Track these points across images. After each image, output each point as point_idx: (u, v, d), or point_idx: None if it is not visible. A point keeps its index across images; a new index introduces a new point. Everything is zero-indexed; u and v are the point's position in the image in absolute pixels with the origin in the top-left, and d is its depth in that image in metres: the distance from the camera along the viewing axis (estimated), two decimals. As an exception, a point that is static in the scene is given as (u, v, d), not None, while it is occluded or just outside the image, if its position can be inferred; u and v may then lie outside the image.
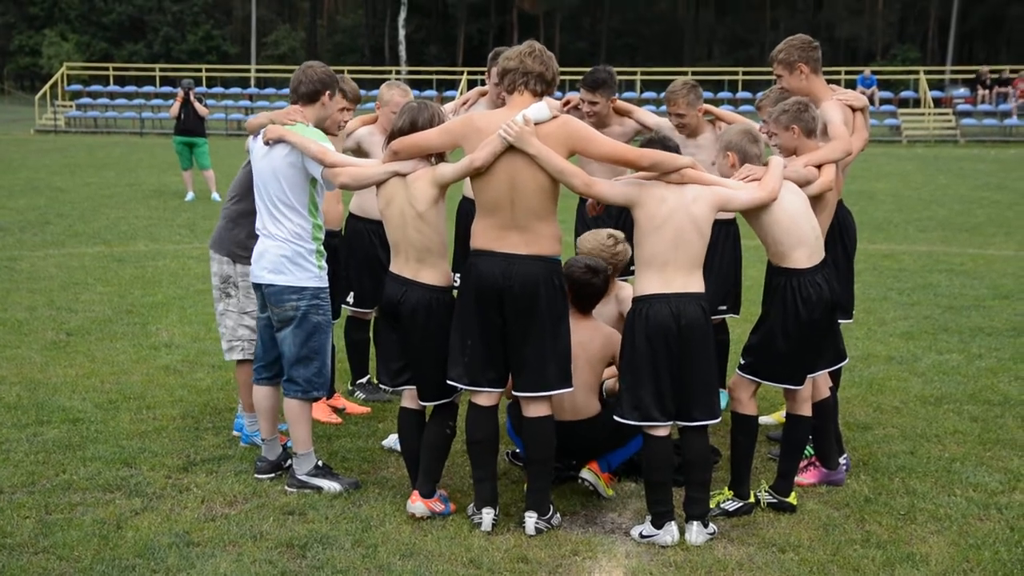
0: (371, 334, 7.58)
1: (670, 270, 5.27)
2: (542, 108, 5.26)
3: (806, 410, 5.80)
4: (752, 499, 5.69)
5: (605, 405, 5.94)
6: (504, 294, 5.25)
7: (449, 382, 5.46)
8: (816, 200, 5.79)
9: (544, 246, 5.28)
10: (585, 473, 5.84)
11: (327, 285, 5.96)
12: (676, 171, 5.29)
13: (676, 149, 5.63)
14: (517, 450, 6.22)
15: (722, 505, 5.66)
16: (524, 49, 5.36)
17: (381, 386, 6.64)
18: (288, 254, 5.80)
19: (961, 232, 16.42)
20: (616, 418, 5.41)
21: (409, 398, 5.69)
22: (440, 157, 5.54)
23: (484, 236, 5.34)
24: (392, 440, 6.47)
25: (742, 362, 5.74)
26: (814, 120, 5.89)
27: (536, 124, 5.22)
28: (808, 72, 6.25)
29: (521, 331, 5.30)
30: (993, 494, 5.90)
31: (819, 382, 5.97)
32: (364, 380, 7.73)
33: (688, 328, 5.24)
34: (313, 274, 5.85)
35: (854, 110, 6.23)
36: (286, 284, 5.80)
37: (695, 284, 5.31)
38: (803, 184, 5.73)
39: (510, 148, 5.21)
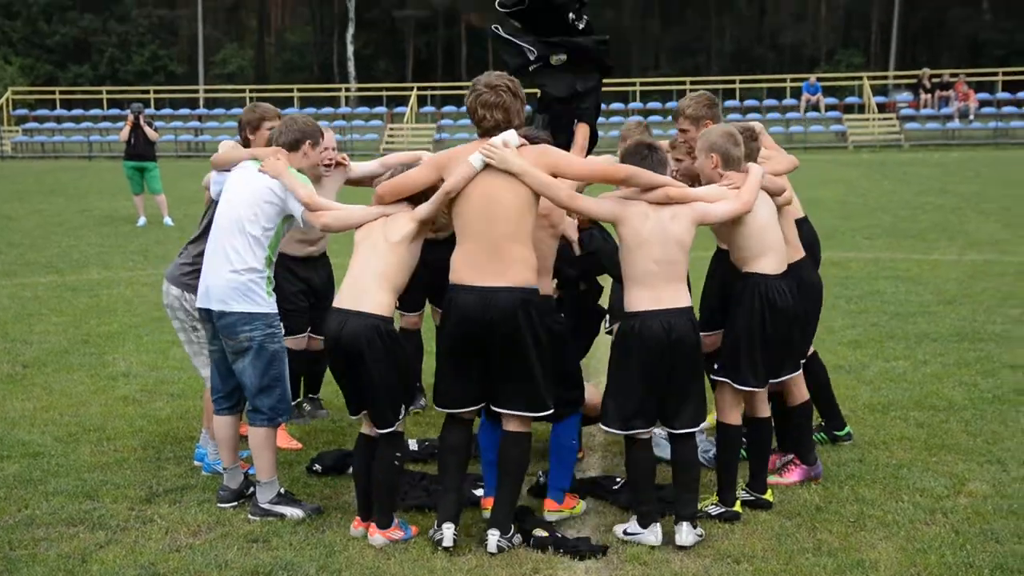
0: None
1: (658, 285, 5.47)
2: (514, 135, 5.50)
3: (765, 411, 6.06)
4: (737, 507, 5.88)
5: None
6: (484, 327, 5.37)
7: (439, 408, 5.65)
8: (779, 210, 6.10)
9: (520, 276, 5.40)
10: (549, 516, 5.91)
11: (277, 311, 6.04)
12: (654, 188, 5.50)
13: (655, 150, 5.74)
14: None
15: (706, 509, 5.86)
16: (491, 99, 5.49)
17: (306, 406, 7.54)
18: (237, 284, 5.86)
19: (906, 238, 16.74)
20: (602, 427, 5.61)
21: (368, 424, 5.78)
22: (425, 198, 5.66)
23: (462, 268, 5.46)
24: None
25: (715, 367, 5.95)
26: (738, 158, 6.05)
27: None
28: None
29: (502, 361, 5.45)
30: (939, 499, 6.08)
31: (800, 385, 6.35)
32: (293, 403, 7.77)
33: (679, 341, 5.45)
34: (263, 301, 5.92)
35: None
36: (239, 314, 5.86)
37: (683, 298, 5.53)
38: (776, 193, 5.99)
39: (485, 170, 5.40)
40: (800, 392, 6.39)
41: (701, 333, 6.90)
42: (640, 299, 5.49)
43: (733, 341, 5.90)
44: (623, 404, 5.52)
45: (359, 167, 7.13)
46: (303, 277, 7.43)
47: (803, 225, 6.69)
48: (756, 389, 5.92)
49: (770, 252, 5.85)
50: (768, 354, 5.86)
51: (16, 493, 6.32)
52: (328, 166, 6.92)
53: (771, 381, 6.05)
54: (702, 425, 6.92)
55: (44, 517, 5.96)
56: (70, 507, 6.10)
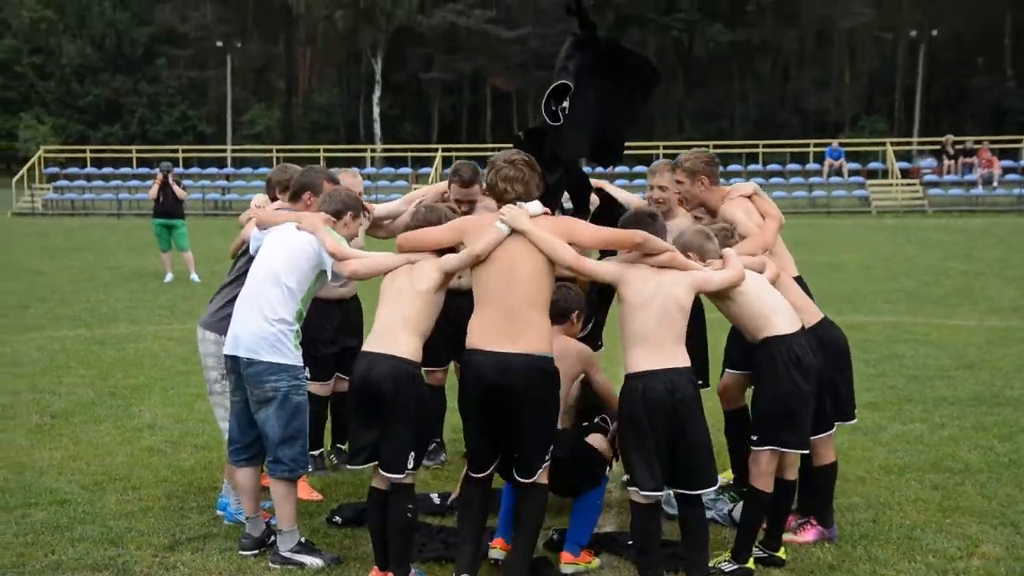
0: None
1: (659, 345, 5.58)
2: (537, 204, 5.74)
3: (793, 475, 6.15)
4: (751, 564, 5.96)
5: (577, 428, 6.22)
6: (499, 391, 5.52)
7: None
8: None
9: (535, 343, 5.55)
10: (565, 568, 6.03)
11: (303, 365, 6.20)
12: (660, 253, 5.67)
13: (656, 218, 5.98)
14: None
15: (719, 566, 5.94)
16: (510, 174, 5.74)
17: (332, 459, 7.75)
18: (267, 335, 6.04)
19: (927, 303, 16.78)
20: (637, 491, 5.62)
21: (378, 477, 5.86)
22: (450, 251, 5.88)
23: (479, 333, 5.62)
24: None
25: (754, 437, 6.05)
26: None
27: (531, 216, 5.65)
28: (708, 184, 6.81)
29: (516, 424, 5.58)
30: (951, 559, 6.13)
31: (828, 447, 6.43)
32: (316, 453, 7.96)
33: (682, 402, 5.54)
34: (291, 353, 6.09)
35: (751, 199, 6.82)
36: (268, 363, 6.02)
37: (683, 359, 5.63)
38: (758, 271, 6.14)
39: (508, 237, 5.59)
40: (827, 453, 6.45)
41: (727, 370, 6.98)
42: (641, 358, 5.59)
43: (770, 408, 5.97)
44: (651, 465, 5.56)
45: (382, 208, 7.38)
46: (335, 320, 7.72)
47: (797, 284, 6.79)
48: (803, 451, 6.04)
49: (777, 313, 5.96)
50: (807, 412, 5.97)
51: (43, 539, 6.45)
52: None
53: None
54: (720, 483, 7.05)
55: (70, 562, 6.08)
56: (95, 553, 6.22)
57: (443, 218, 6.04)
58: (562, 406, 6.07)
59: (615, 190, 7.73)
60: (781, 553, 6.10)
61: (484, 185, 6.11)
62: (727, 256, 5.97)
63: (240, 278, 6.52)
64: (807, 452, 6.14)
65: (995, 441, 8.57)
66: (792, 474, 6.15)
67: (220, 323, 6.60)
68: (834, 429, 6.43)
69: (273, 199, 6.82)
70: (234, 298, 6.45)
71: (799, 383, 5.90)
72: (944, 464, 7.97)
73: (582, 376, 6.40)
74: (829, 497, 6.55)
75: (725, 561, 5.99)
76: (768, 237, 6.54)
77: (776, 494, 6.07)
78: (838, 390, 6.43)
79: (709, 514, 6.33)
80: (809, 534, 6.45)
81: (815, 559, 6.15)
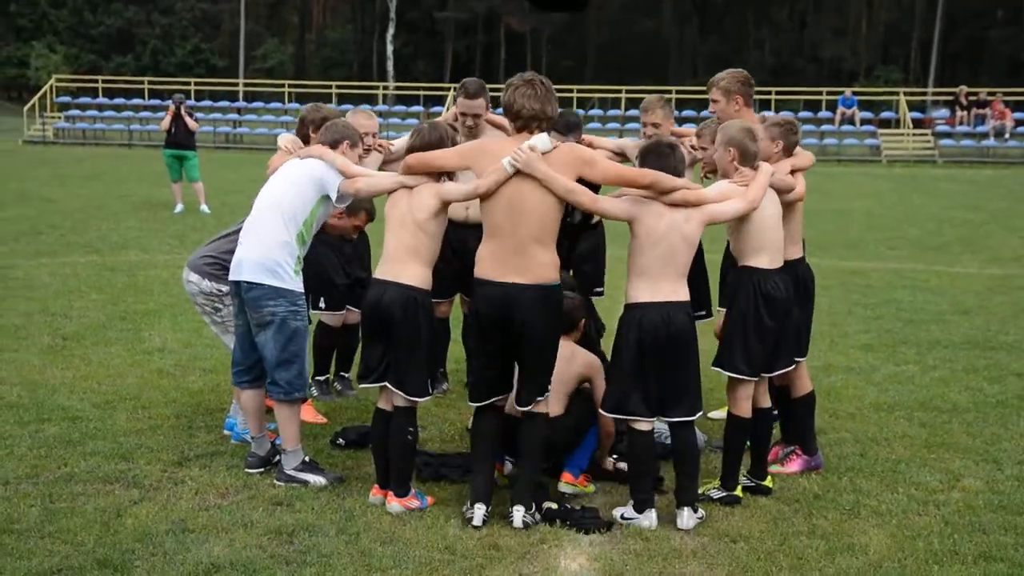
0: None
1: (660, 280, 5.77)
2: (545, 138, 5.72)
3: (766, 402, 6.37)
4: (738, 491, 6.18)
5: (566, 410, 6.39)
6: (505, 321, 5.69)
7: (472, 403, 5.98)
8: (788, 207, 6.35)
9: (542, 274, 5.69)
10: (563, 487, 6.27)
11: (302, 291, 6.39)
12: (673, 191, 5.77)
13: (675, 149, 5.98)
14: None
15: (708, 492, 6.16)
16: (528, 92, 5.72)
17: (336, 386, 7.98)
18: (266, 260, 6.22)
19: (929, 250, 16.92)
20: (600, 411, 5.95)
21: (384, 399, 6.09)
22: (449, 176, 6.02)
23: (487, 264, 5.75)
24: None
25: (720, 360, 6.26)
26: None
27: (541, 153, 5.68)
28: (742, 104, 6.86)
29: (522, 351, 5.77)
30: (933, 492, 6.34)
31: (803, 378, 6.64)
32: (322, 379, 8.25)
33: (676, 333, 5.75)
34: (289, 279, 6.26)
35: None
36: (266, 287, 6.20)
37: (682, 293, 5.83)
38: (784, 191, 6.27)
39: (516, 174, 5.65)
40: (803, 384, 6.67)
41: (717, 309, 7.17)
42: (641, 291, 5.79)
43: (730, 334, 6.20)
44: (624, 391, 5.81)
45: (397, 144, 7.57)
46: (345, 254, 7.92)
47: None
48: (746, 378, 6.17)
49: (767, 250, 6.13)
50: (763, 345, 6.15)
51: (56, 452, 6.68)
52: (368, 149, 7.27)
53: (766, 375, 6.31)
54: (716, 414, 7.26)
55: (82, 475, 6.31)
56: (106, 467, 6.45)
57: (444, 136, 6.07)
58: (560, 402, 6.26)
59: (605, 142, 7.81)
60: (768, 482, 6.32)
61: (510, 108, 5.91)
62: (761, 171, 6.05)
63: (238, 232, 6.70)
64: (755, 379, 6.20)
65: (985, 383, 8.76)
66: (766, 401, 6.36)
67: (203, 267, 6.90)
68: (795, 364, 6.56)
69: (303, 136, 6.96)
70: (226, 251, 6.67)
71: (763, 316, 6.10)
72: (933, 403, 8.17)
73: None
74: (810, 425, 6.76)
75: (714, 488, 6.20)
76: (811, 156, 6.68)
77: (755, 420, 6.27)
78: (799, 327, 6.57)
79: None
80: (795, 464, 6.65)
81: (801, 489, 6.36)
